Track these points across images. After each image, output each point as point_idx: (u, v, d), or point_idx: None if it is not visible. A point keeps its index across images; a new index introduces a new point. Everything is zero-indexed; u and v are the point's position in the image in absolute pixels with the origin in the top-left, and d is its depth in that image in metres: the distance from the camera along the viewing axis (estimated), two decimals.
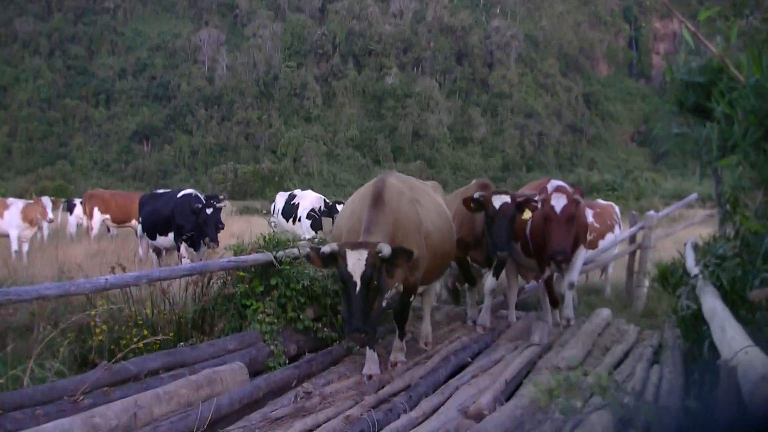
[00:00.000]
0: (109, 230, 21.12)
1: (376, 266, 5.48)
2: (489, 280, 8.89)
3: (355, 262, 5.45)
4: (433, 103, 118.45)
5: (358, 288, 5.42)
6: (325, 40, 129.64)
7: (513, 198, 8.00)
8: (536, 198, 8.20)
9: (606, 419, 4.45)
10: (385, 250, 5.47)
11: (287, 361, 6.86)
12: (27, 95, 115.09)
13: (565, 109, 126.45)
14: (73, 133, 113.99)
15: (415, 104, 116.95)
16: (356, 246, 5.57)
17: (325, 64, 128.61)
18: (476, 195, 8.04)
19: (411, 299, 6.97)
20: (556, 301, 9.28)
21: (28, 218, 15.26)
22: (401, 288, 6.69)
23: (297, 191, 18.03)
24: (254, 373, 6.36)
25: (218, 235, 12.38)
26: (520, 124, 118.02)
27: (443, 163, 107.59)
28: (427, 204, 7.16)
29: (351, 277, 5.44)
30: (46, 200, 15.75)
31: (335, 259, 5.60)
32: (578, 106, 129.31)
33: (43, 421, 4.38)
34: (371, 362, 6.48)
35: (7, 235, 15.28)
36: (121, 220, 19.16)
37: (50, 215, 15.55)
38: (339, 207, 15.66)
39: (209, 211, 12.10)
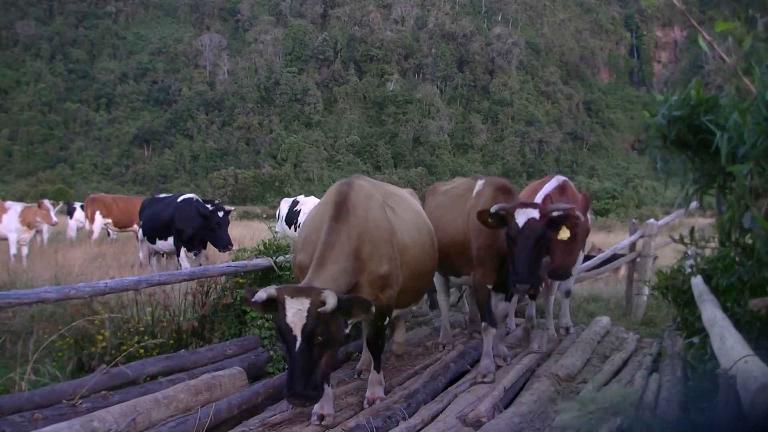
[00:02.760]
0: (108, 234, 21.12)
1: (322, 318, 4.49)
2: (501, 305, 7.32)
3: (295, 313, 4.49)
4: (433, 110, 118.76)
5: (298, 344, 4.47)
6: (326, 45, 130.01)
7: (543, 212, 6.34)
8: (578, 213, 6.75)
9: (607, 428, 4.43)
10: (330, 301, 4.47)
11: (286, 367, 6.84)
12: (28, 98, 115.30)
13: (565, 117, 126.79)
14: (73, 137, 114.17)
15: (415, 110, 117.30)
16: (297, 293, 4.57)
17: (327, 70, 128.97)
18: (495, 208, 6.38)
19: (385, 323, 5.82)
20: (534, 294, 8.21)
21: (26, 221, 15.25)
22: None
23: (300, 197, 17.97)
24: (253, 378, 6.36)
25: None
26: (521, 132, 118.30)
27: (444, 170, 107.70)
28: (403, 214, 6.09)
29: (290, 330, 4.49)
30: (49, 204, 15.80)
31: (276, 306, 4.64)
32: (579, 113, 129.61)
33: (42, 424, 4.37)
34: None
35: (5, 239, 15.27)
36: (123, 225, 19.15)
37: (54, 219, 15.61)
38: None
39: (221, 214, 12.15)
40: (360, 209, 5.40)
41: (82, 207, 22.00)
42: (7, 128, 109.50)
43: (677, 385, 5.69)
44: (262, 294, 4.60)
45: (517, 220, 6.23)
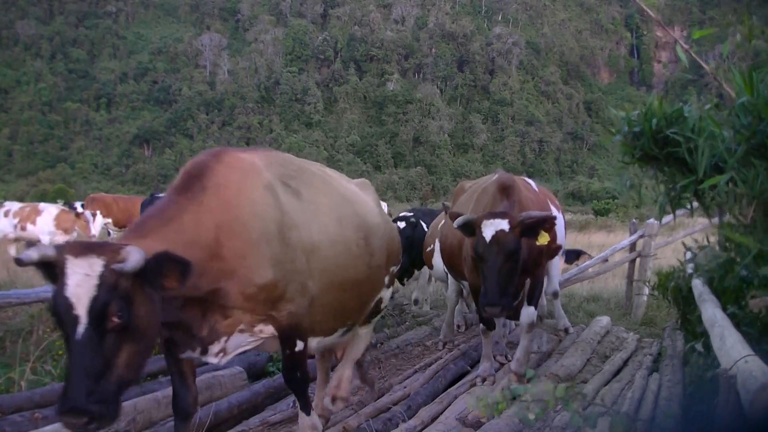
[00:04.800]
0: (109, 233, 21.13)
1: (122, 290, 3.00)
2: (525, 312, 6.54)
3: (80, 281, 2.93)
4: (434, 110, 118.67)
5: (81, 329, 2.90)
6: (326, 45, 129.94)
7: (514, 223, 5.52)
8: (554, 215, 5.95)
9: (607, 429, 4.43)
10: (132, 258, 3.01)
11: None
12: (28, 98, 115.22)
13: (566, 117, 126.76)
14: (73, 137, 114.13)
15: (416, 110, 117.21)
16: (85, 250, 3.03)
17: (327, 70, 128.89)
18: (460, 221, 5.71)
19: (297, 349, 4.15)
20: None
21: (62, 226, 15.35)
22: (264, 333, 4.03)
23: None
24: (253, 378, 6.37)
25: None
26: (521, 131, 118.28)
27: (444, 170, 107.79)
28: (317, 199, 4.35)
29: (69, 307, 2.91)
30: (89, 215, 15.93)
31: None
32: (579, 113, 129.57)
33: (42, 424, 4.38)
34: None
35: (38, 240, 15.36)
36: (123, 224, 19.14)
37: (93, 231, 15.76)
38: None
39: None
40: (226, 189, 3.79)
41: (82, 206, 22.03)
42: (8, 128, 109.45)
43: (677, 385, 5.69)
44: (31, 253, 3.04)
45: (483, 234, 5.49)
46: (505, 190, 6.14)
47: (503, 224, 5.46)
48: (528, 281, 6.34)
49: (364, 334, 5.40)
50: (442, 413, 5.54)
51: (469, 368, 7.16)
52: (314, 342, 4.45)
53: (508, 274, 5.53)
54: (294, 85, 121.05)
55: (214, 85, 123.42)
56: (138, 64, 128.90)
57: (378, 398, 5.89)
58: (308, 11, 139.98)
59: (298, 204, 4.13)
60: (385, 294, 5.34)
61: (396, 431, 5.04)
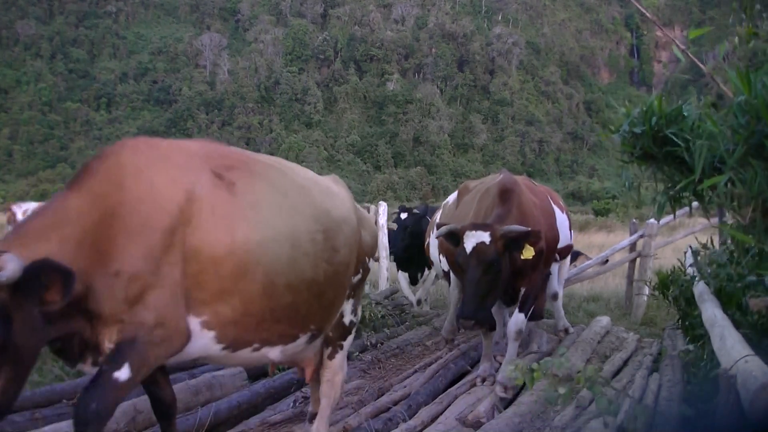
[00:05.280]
0: None
1: None
2: (515, 318, 6.30)
3: None
4: (434, 110, 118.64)
5: None
6: (326, 45, 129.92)
7: (495, 236, 5.43)
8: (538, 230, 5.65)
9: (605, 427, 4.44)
10: (9, 267, 2.64)
11: (287, 366, 6.84)
12: (28, 98, 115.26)
13: (566, 117, 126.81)
14: (73, 137, 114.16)
15: (416, 110, 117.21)
16: None
17: (327, 70, 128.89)
18: (443, 230, 5.71)
19: (117, 374, 3.08)
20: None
21: None
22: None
23: None
24: (253, 378, 6.36)
25: None
26: (521, 131, 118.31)
27: (444, 170, 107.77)
28: (258, 192, 3.71)
29: None
30: None
31: None
32: (579, 113, 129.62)
33: (42, 424, 4.38)
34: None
35: None
36: None
37: None
38: None
39: None
40: (122, 170, 3.28)
41: None
42: (8, 128, 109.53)
43: (677, 385, 5.68)
44: None
45: (465, 245, 5.46)
46: (506, 193, 6.05)
47: (484, 237, 5.41)
48: (524, 287, 6.26)
49: (338, 369, 4.63)
50: (442, 413, 5.54)
51: (469, 368, 7.15)
52: (277, 351, 3.95)
53: (486, 288, 5.47)
54: (294, 85, 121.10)
55: (214, 85, 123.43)
56: (138, 64, 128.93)
57: (378, 398, 5.90)
58: (308, 11, 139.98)
59: (228, 197, 3.52)
60: (347, 307, 4.58)
61: (396, 431, 5.04)
